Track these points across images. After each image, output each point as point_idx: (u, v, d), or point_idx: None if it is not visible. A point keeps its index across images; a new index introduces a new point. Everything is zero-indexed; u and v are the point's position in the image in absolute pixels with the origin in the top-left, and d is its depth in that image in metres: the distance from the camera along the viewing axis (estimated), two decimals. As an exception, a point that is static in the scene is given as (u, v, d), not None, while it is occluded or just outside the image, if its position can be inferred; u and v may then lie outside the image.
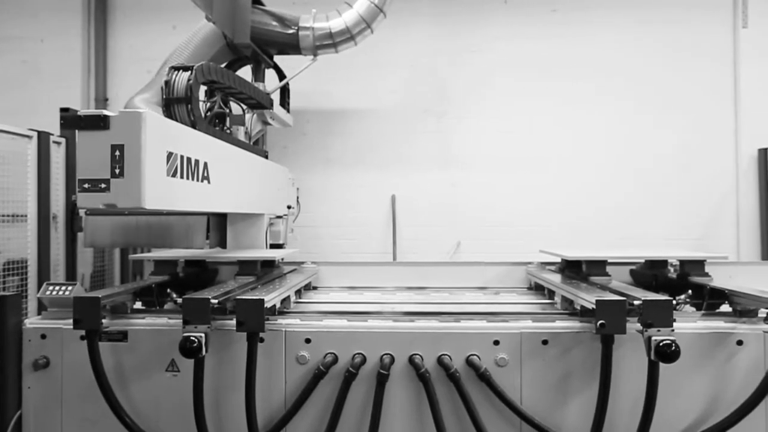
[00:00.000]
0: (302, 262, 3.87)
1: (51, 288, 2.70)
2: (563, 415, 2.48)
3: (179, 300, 2.98)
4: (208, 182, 2.75)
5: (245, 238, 3.99)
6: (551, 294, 3.28)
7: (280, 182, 4.43)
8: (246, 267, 3.17)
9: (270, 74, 5.17)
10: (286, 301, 2.92)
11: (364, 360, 2.48)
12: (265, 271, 3.33)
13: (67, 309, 2.49)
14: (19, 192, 3.98)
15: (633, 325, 2.32)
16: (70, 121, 2.18)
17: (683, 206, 6.20)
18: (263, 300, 2.37)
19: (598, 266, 3.12)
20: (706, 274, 3.07)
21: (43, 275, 4.07)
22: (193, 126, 2.84)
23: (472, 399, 2.42)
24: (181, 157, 2.47)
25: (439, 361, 2.47)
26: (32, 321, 2.66)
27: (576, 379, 2.48)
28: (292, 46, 5.00)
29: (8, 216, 3.93)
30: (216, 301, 2.41)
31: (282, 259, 3.70)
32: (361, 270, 3.89)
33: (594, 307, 2.33)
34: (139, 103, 4.14)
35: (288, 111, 5.52)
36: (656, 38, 6.25)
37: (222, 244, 4.08)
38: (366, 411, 2.46)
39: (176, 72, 2.92)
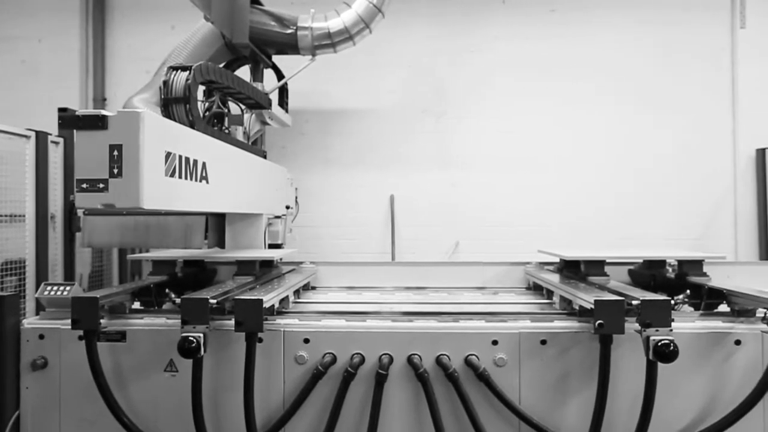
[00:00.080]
0: (301, 262, 3.87)
1: (49, 288, 2.70)
2: (562, 415, 2.48)
3: (178, 300, 2.97)
4: (207, 182, 2.75)
5: (244, 238, 3.99)
6: (550, 294, 3.29)
7: (278, 182, 4.43)
8: (244, 267, 3.17)
9: (268, 74, 5.17)
10: (284, 301, 2.92)
11: (362, 360, 2.47)
12: (264, 271, 3.33)
13: (66, 309, 2.48)
14: (17, 192, 3.97)
15: (631, 325, 2.32)
16: (69, 121, 2.18)
17: (682, 206, 6.21)
18: (262, 300, 2.37)
19: (597, 266, 3.12)
20: (705, 274, 3.08)
21: (41, 275, 4.07)
22: (192, 126, 2.83)
23: (471, 399, 2.42)
24: (180, 157, 2.46)
25: (438, 361, 2.47)
26: (30, 321, 2.66)
27: (574, 378, 2.48)
28: (290, 46, 5.00)
29: (6, 216, 3.92)
30: (214, 301, 2.41)
31: (281, 259, 3.70)
32: (359, 270, 3.89)
33: (592, 307, 2.33)
34: (138, 104, 4.14)
35: (287, 111, 5.52)
36: (656, 38, 6.26)
37: (220, 244, 4.08)
38: (365, 411, 2.46)
39: (175, 72, 2.92)
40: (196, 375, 2.36)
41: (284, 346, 2.54)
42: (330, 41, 4.98)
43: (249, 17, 4.64)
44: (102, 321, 2.45)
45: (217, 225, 4.07)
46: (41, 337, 2.59)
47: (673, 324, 2.26)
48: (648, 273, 3.33)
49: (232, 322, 2.36)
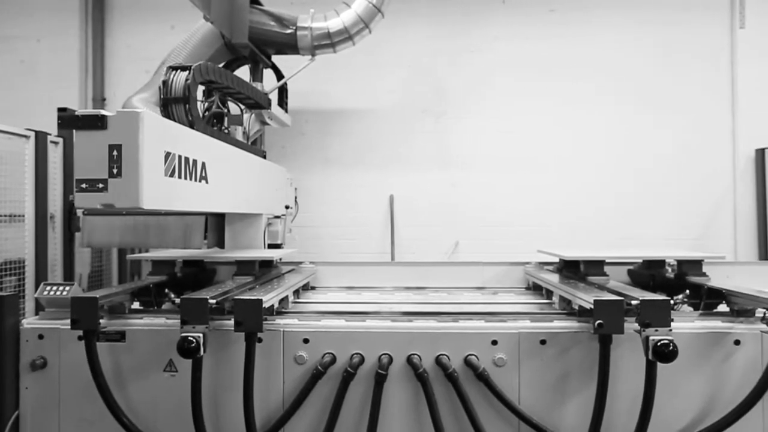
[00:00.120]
0: (300, 262, 3.87)
1: (48, 288, 2.70)
2: (561, 415, 2.48)
3: (177, 300, 2.98)
4: (206, 182, 2.75)
5: (243, 238, 3.99)
6: (549, 294, 3.29)
7: (278, 182, 4.43)
8: (244, 267, 3.17)
9: (268, 74, 5.17)
10: (284, 301, 2.92)
11: (362, 360, 2.47)
12: (263, 271, 3.33)
13: (65, 309, 2.49)
14: (16, 192, 3.97)
15: (631, 324, 2.33)
16: (68, 120, 2.18)
17: (682, 206, 6.21)
18: (261, 300, 2.37)
19: (596, 266, 3.12)
20: (704, 274, 3.08)
21: (41, 275, 4.07)
22: (191, 126, 2.83)
23: (471, 399, 2.42)
24: (179, 157, 2.46)
25: (438, 361, 2.47)
26: (30, 321, 2.66)
27: (574, 378, 2.48)
28: (290, 46, 5.00)
29: (6, 216, 3.92)
30: (214, 301, 2.41)
31: (280, 259, 3.70)
32: (359, 270, 3.89)
33: (592, 307, 2.33)
34: (137, 103, 4.13)
35: (286, 111, 5.52)
36: (655, 38, 6.26)
37: (220, 244, 4.07)
38: (364, 411, 2.46)
39: (174, 72, 2.92)
40: (195, 375, 2.36)
41: (284, 346, 2.54)
42: (329, 41, 4.98)
43: (248, 17, 4.64)
44: (101, 321, 2.45)
45: (216, 225, 4.07)
46: (41, 337, 2.59)
47: (672, 324, 2.26)
48: (647, 273, 3.33)
49: (232, 322, 2.36)
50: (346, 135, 6.45)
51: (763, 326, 2.46)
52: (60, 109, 2.26)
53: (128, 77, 6.07)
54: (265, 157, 4.39)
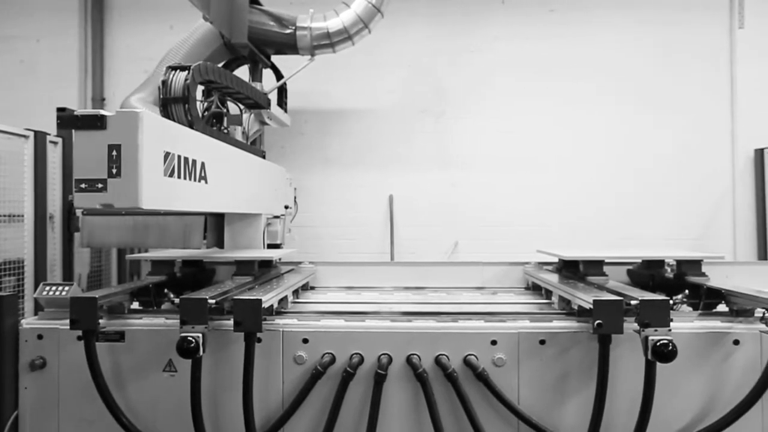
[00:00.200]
0: (300, 262, 3.87)
1: (48, 288, 2.69)
2: (561, 415, 2.48)
3: (176, 300, 2.98)
4: (206, 182, 2.75)
5: (242, 238, 3.99)
6: (549, 294, 3.29)
7: (277, 182, 4.43)
8: (243, 267, 3.16)
9: (267, 74, 5.17)
10: (283, 301, 2.91)
11: (361, 360, 2.47)
12: (263, 271, 3.33)
13: (64, 309, 2.48)
14: (15, 192, 3.97)
15: (630, 324, 2.32)
16: (67, 120, 2.17)
17: (682, 206, 6.21)
18: (261, 300, 2.36)
19: (595, 266, 3.12)
20: (703, 274, 3.08)
21: (40, 275, 4.07)
22: (191, 126, 2.83)
23: (470, 399, 2.42)
24: (179, 157, 2.46)
25: (437, 361, 2.47)
26: (29, 321, 2.66)
27: (573, 378, 2.48)
28: (289, 46, 5.00)
29: (5, 216, 3.92)
30: (213, 301, 2.41)
31: (279, 259, 3.69)
32: (358, 270, 3.89)
33: (591, 306, 2.33)
34: (136, 103, 4.13)
35: (285, 111, 5.52)
36: (655, 38, 6.27)
37: (219, 244, 4.07)
38: (364, 411, 2.46)
39: (173, 72, 2.91)
40: (195, 375, 2.36)
41: (283, 346, 2.53)
42: (329, 41, 4.98)
43: (248, 17, 4.64)
44: (101, 321, 2.45)
45: (216, 225, 4.07)
46: (40, 337, 2.59)
47: (671, 324, 2.26)
48: (647, 273, 3.33)
49: (231, 322, 2.36)
50: (345, 135, 6.45)
51: (762, 326, 2.46)
52: (59, 109, 2.26)
53: (127, 77, 6.06)
54: (264, 157, 4.39)
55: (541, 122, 6.32)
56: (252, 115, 4.76)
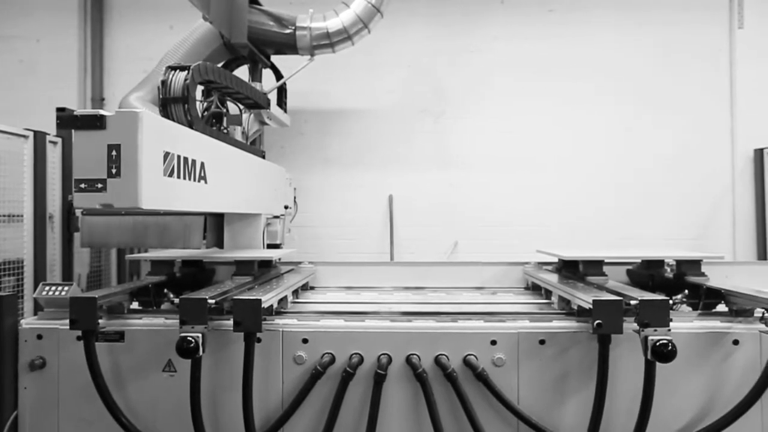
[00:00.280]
0: (299, 262, 3.87)
1: (47, 288, 2.69)
2: (560, 415, 2.48)
3: (176, 300, 2.97)
4: (205, 182, 2.75)
5: (242, 238, 3.99)
6: (548, 294, 3.29)
7: (277, 182, 4.43)
8: (243, 267, 3.16)
9: (267, 74, 5.16)
10: (283, 301, 2.92)
11: (361, 360, 2.47)
12: (263, 271, 3.33)
13: (64, 309, 2.48)
14: (15, 192, 3.97)
15: (630, 324, 2.33)
16: (67, 120, 2.17)
17: (682, 206, 6.21)
18: (260, 300, 2.37)
19: (595, 266, 3.12)
20: (703, 274, 3.08)
21: (40, 275, 4.06)
22: (190, 126, 2.83)
23: (470, 399, 2.42)
24: (178, 157, 2.46)
25: (437, 361, 2.47)
26: (28, 321, 2.66)
27: (573, 378, 2.48)
28: (289, 46, 5.00)
29: (4, 216, 3.92)
30: (213, 301, 2.41)
31: (279, 259, 3.69)
32: (358, 270, 3.89)
33: (591, 307, 2.33)
34: (134, 101, 4.13)
35: (285, 111, 5.51)
36: (655, 38, 6.26)
37: (219, 244, 4.07)
38: (363, 411, 2.46)
39: (173, 72, 2.91)
40: (194, 375, 2.36)
41: (283, 346, 2.53)
42: (329, 41, 4.98)
43: (248, 17, 4.64)
44: (100, 321, 2.45)
45: (215, 225, 4.07)
46: (39, 337, 2.59)
47: (671, 324, 2.27)
48: (646, 273, 3.33)
49: (231, 322, 2.36)
50: (345, 135, 6.45)
51: (762, 326, 2.46)
52: (59, 109, 2.26)
53: (127, 77, 6.04)
54: (264, 157, 4.39)
55: (540, 122, 6.32)
56: (252, 115, 4.76)
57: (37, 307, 2.80)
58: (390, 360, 2.48)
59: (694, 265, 3.13)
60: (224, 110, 3.86)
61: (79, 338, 2.44)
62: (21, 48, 6.46)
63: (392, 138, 6.41)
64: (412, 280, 3.80)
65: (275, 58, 5.24)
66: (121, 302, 2.77)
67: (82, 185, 2.15)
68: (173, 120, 2.80)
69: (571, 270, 3.30)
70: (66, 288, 2.67)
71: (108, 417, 2.47)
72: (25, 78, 6.42)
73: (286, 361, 2.53)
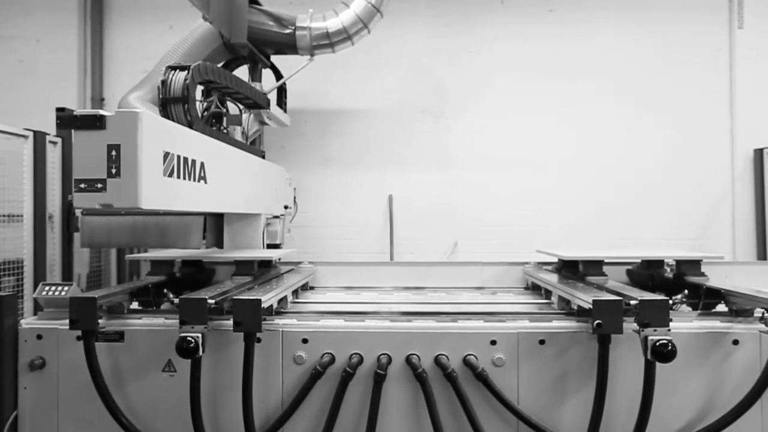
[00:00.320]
0: (299, 262, 3.87)
1: (47, 288, 2.69)
2: (560, 415, 2.48)
3: (176, 300, 2.97)
4: (205, 182, 2.75)
5: (242, 238, 3.99)
6: (548, 294, 3.29)
7: (277, 182, 4.43)
8: (243, 267, 3.16)
9: (267, 74, 5.16)
10: (283, 301, 2.91)
11: (361, 360, 2.47)
12: (262, 271, 3.33)
13: (64, 309, 2.48)
14: (15, 192, 3.97)
15: (630, 324, 2.33)
16: (66, 120, 2.17)
17: (682, 206, 6.21)
18: (260, 300, 2.37)
19: (595, 266, 3.12)
20: (703, 274, 3.08)
21: (39, 275, 4.06)
22: (190, 126, 2.83)
23: (470, 399, 2.43)
24: (178, 157, 2.46)
25: (437, 361, 2.47)
26: (28, 321, 2.66)
27: (573, 378, 2.48)
28: (289, 46, 5.00)
29: (4, 216, 3.92)
30: (213, 301, 2.41)
31: (279, 259, 3.69)
32: (358, 270, 3.89)
33: (591, 306, 2.33)
34: (134, 101, 4.13)
35: (285, 111, 5.51)
36: (655, 38, 6.26)
37: (219, 244, 4.07)
38: (363, 411, 2.46)
39: (173, 71, 2.91)
40: (194, 375, 2.36)
41: (283, 346, 2.53)
42: (328, 41, 4.98)
43: (247, 17, 4.64)
44: (100, 321, 2.45)
45: (215, 225, 4.07)
46: (39, 337, 2.59)
47: (671, 324, 2.27)
48: (646, 273, 3.33)
49: (231, 322, 2.36)
50: (345, 135, 6.45)
51: (762, 326, 2.46)
52: (58, 109, 2.27)
53: (127, 77, 6.04)
54: (264, 157, 4.39)
55: (540, 122, 6.32)
56: (251, 115, 4.76)
57: (37, 307, 2.80)
58: (390, 360, 2.48)
59: (694, 265, 3.13)
60: (224, 110, 3.86)
61: (78, 338, 2.44)
62: (21, 48, 6.46)
63: (392, 138, 6.41)
64: (412, 280, 3.80)
65: (275, 58, 5.24)
66: (121, 302, 2.77)
67: (82, 185, 2.15)
68: (173, 120, 2.80)
69: (571, 270, 3.30)
70: (66, 288, 2.67)
71: (108, 417, 2.47)
72: (25, 78, 6.42)
73: (285, 361, 2.53)
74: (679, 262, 3.17)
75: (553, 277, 3.26)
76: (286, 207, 4.72)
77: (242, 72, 4.95)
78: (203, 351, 2.31)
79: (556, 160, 6.31)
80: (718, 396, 2.46)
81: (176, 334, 2.30)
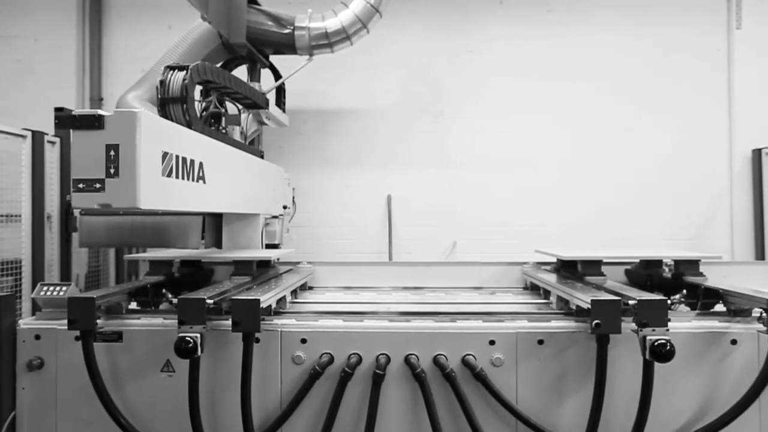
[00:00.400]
0: (298, 262, 3.86)
1: (45, 288, 2.69)
2: (559, 415, 2.48)
3: (174, 300, 2.97)
4: (204, 182, 2.75)
5: (241, 238, 3.98)
6: (547, 294, 3.29)
7: (275, 182, 4.43)
8: (242, 267, 3.16)
9: (266, 74, 5.16)
10: (281, 301, 2.91)
11: (359, 360, 2.47)
12: (261, 271, 3.32)
13: (62, 309, 2.48)
14: (13, 192, 3.96)
15: (628, 324, 2.33)
16: (65, 120, 2.17)
17: (681, 206, 6.23)
18: (259, 300, 2.36)
19: (594, 266, 3.13)
20: (701, 274, 3.08)
21: (38, 275, 4.06)
22: (189, 126, 2.83)
23: (468, 399, 2.43)
24: (177, 157, 2.46)
25: (435, 361, 2.47)
26: (26, 321, 2.65)
27: (571, 378, 2.48)
28: (287, 45, 5.00)
29: (2, 216, 3.92)
30: (211, 301, 2.41)
31: (278, 259, 3.69)
32: (357, 270, 3.89)
33: (589, 306, 2.33)
34: (132, 101, 4.13)
35: (284, 111, 5.51)
36: (654, 39, 6.28)
37: (218, 244, 4.07)
38: (362, 411, 2.46)
39: (171, 71, 2.90)
40: (193, 375, 2.36)
41: (281, 346, 2.53)
42: (327, 41, 4.98)
43: (246, 17, 4.64)
44: (98, 321, 2.45)
45: (214, 225, 4.06)
46: (37, 337, 2.59)
47: (669, 324, 2.27)
48: (644, 273, 3.33)
49: (229, 322, 2.36)
50: (343, 135, 6.45)
51: (760, 326, 2.46)
52: (57, 109, 2.25)
53: (125, 77, 6.02)
54: (262, 157, 4.39)
55: (539, 122, 6.32)
56: (250, 115, 4.76)
57: (35, 308, 2.80)
58: (388, 360, 2.48)
59: (693, 265, 3.13)
60: (223, 110, 3.86)
61: (77, 338, 2.43)
62: (19, 48, 6.45)
63: (391, 138, 6.41)
64: (411, 280, 3.80)
65: (274, 58, 5.24)
66: (120, 302, 2.76)
67: (81, 185, 2.15)
68: (172, 120, 2.80)
69: (570, 270, 3.30)
70: (64, 288, 2.67)
71: (106, 417, 2.46)
72: (23, 78, 6.42)
73: (284, 361, 2.53)
74: (678, 262, 3.17)
75: (552, 277, 3.27)
76: (284, 207, 4.72)
77: (241, 72, 4.95)
78: (202, 351, 2.30)
79: (555, 160, 6.32)
80: (716, 396, 2.46)
81: (175, 334, 2.30)
